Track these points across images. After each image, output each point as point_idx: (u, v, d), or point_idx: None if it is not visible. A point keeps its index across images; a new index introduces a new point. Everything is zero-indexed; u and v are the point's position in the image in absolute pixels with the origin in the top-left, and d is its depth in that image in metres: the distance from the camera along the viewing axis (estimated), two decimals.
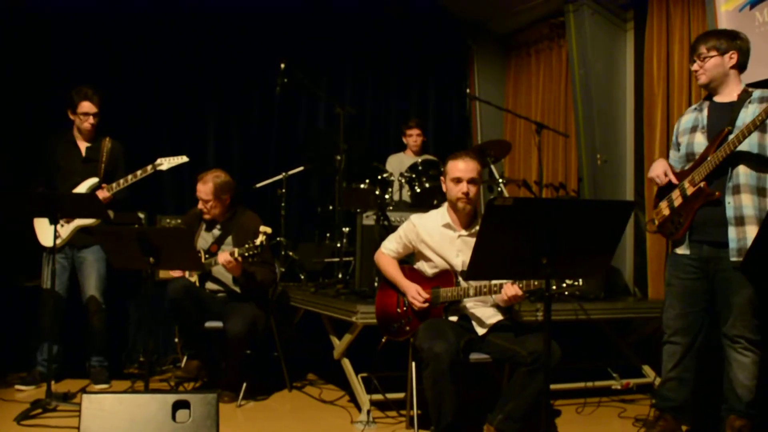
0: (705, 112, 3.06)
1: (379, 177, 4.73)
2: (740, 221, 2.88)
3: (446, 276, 3.10)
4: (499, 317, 3.11)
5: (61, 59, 4.90)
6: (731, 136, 2.85)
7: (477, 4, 6.09)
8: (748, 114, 2.88)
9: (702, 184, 2.94)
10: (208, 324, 3.87)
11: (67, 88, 4.22)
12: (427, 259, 3.19)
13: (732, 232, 2.89)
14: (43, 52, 4.85)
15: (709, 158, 2.92)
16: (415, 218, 3.24)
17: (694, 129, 3.08)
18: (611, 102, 5.21)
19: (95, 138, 4.26)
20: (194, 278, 3.99)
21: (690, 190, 2.99)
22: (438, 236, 3.14)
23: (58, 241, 4.01)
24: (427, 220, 3.21)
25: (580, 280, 2.70)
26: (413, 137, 5.49)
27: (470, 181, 3.03)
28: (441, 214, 3.18)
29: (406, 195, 4.85)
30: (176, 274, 4.00)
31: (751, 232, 2.85)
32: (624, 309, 3.97)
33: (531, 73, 6.19)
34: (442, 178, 3.17)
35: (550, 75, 5.95)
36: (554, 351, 2.82)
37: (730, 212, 2.90)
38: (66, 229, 4.08)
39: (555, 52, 5.88)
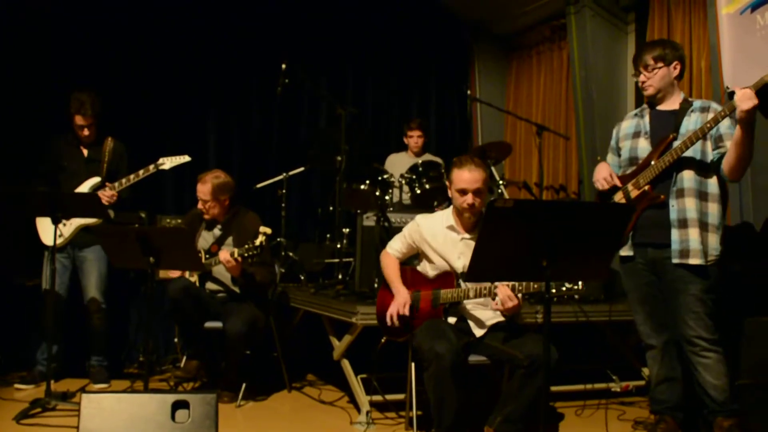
0: (647, 118, 3.14)
1: (380, 178, 4.72)
2: (683, 224, 2.94)
3: (447, 277, 3.10)
4: (498, 319, 3.10)
5: (62, 59, 4.89)
6: (677, 143, 2.94)
7: (479, 6, 6.11)
8: (690, 122, 2.96)
9: (647, 188, 3.02)
10: (208, 324, 3.87)
11: (67, 88, 4.21)
12: (429, 260, 3.20)
13: (675, 234, 2.96)
14: (43, 52, 4.85)
15: (653, 163, 3.00)
16: (420, 218, 3.26)
17: (636, 134, 3.15)
18: (612, 104, 5.22)
19: (97, 139, 4.26)
20: (194, 278, 4.00)
21: (634, 193, 3.07)
22: (441, 237, 3.15)
23: (61, 240, 4.03)
24: (432, 221, 3.21)
25: (580, 284, 2.69)
26: (414, 138, 5.46)
27: (476, 192, 3.00)
28: (446, 216, 3.19)
29: (406, 196, 4.84)
30: (176, 274, 4.00)
31: (693, 234, 2.92)
32: (624, 311, 3.95)
33: (532, 75, 6.20)
34: (447, 183, 3.15)
35: (551, 77, 5.95)
36: (551, 353, 2.80)
37: (673, 215, 2.96)
38: (68, 228, 4.08)
39: (556, 53, 5.89)
